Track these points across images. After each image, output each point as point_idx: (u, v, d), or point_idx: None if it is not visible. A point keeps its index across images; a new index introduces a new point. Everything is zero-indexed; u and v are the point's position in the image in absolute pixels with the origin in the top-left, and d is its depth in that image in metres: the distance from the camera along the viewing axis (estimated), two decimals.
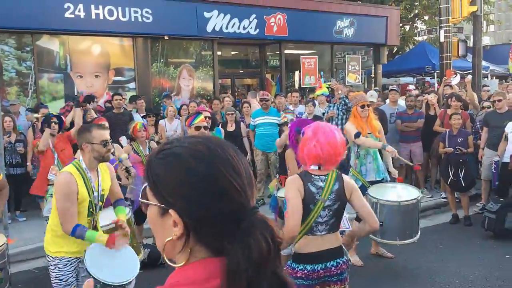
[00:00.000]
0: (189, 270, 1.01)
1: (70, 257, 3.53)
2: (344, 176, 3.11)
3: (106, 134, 3.56)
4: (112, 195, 3.87)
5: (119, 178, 5.52)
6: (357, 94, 6.29)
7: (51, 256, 3.52)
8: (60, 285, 3.48)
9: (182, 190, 1.00)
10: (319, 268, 2.94)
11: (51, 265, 3.51)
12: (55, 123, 6.35)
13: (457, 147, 6.98)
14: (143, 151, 5.91)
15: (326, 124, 3.13)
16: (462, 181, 6.97)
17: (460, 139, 7.09)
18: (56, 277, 3.48)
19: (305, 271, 2.96)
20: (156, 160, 1.05)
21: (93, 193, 3.52)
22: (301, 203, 2.93)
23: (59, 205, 3.36)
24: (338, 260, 2.99)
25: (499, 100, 7.55)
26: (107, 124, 5.29)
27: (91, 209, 3.52)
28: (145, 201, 1.06)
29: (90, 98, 8.18)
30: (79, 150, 3.70)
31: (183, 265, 1.02)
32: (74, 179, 3.38)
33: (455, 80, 11.02)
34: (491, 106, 8.10)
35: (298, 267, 2.99)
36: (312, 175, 2.98)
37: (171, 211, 1.00)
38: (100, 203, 3.62)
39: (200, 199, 0.99)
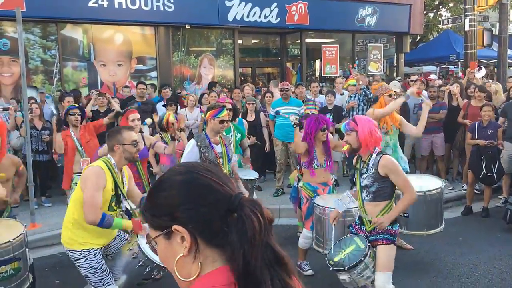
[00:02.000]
0: (206, 279, 1.07)
1: (97, 248, 3.66)
2: None
3: (134, 135, 3.74)
4: (133, 196, 3.98)
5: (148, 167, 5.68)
6: (382, 84, 6.27)
7: (77, 250, 3.60)
8: (97, 273, 3.60)
9: (173, 202, 1.10)
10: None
11: (80, 258, 3.60)
12: (78, 114, 6.39)
13: (487, 141, 6.87)
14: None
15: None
16: (495, 176, 6.89)
17: (490, 131, 6.97)
18: (90, 266, 3.60)
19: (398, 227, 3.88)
20: (147, 199, 1.18)
21: (123, 188, 3.68)
22: None
23: (88, 194, 3.43)
24: None
25: None
26: (138, 116, 5.42)
27: (112, 203, 3.64)
28: (151, 239, 1.15)
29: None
30: (104, 145, 3.84)
31: (196, 276, 1.09)
32: (103, 172, 3.52)
33: (480, 73, 10.79)
34: None
35: (396, 226, 3.82)
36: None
37: (174, 226, 1.09)
38: (126, 197, 3.77)
39: (191, 200, 1.09)
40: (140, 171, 5.14)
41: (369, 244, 3.75)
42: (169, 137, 6.04)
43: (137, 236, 3.62)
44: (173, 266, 1.11)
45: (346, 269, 3.70)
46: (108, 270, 3.68)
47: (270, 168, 8.93)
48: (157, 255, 1.19)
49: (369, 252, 3.72)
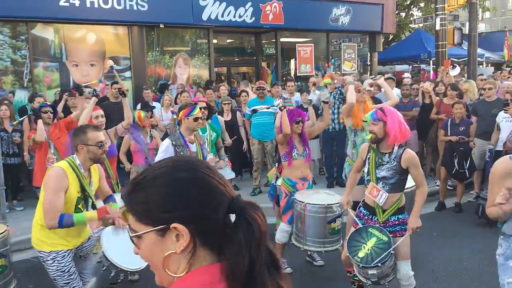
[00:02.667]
0: (192, 277, 1.05)
1: (67, 249, 3.55)
2: None
3: (101, 136, 3.58)
4: (102, 193, 3.91)
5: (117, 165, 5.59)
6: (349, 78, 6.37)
7: (45, 251, 3.50)
8: (64, 276, 3.50)
9: (178, 200, 1.05)
10: None
11: (48, 260, 3.50)
12: (51, 112, 6.33)
13: (459, 136, 7.02)
14: (144, 139, 6.01)
15: None
16: (467, 172, 7.04)
17: (462, 128, 7.13)
18: (57, 269, 3.49)
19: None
20: (137, 192, 1.09)
21: (88, 189, 3.56)
22: None
23: (47, 198, 3.33)
24: None
25: (490, 89, 7.58)
26: (102, 112, 5.33)
27: (79, 205, 3.53)
28: (140, 233, 1.08)
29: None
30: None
31: (185, 274, 1.06)
32: (65, 174, 3.39)
33: (454, 71, 11.03)
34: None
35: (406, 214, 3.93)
36: None
37: (174, 224, 1.04)
38: (93, 199, 3.65)
39: (196, 199, 1.06)
40: (108, 170, 5.03)
41: (391, 235, 3.80)
42: (141, 136, 6.01)
43: (101, 241, 3.52)
44: (160, 261, 1.07)
45: (379, 265, 3.68)
46: (76, 273, 3.58)
47: (246, 167, 8.94)
48: (139, 253, 1.12)
49: (394, 246, 3.78)
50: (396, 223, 3.89)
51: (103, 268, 3.53)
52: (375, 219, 3.94)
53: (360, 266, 3.77)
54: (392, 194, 3.87)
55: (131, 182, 1.13)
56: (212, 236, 1.06)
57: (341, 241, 4.76)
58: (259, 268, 1.01)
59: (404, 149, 3.83)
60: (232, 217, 1.07)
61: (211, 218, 1.05)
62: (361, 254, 3.80)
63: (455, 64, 12.29)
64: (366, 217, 4.02)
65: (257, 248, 1.01)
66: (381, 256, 3.69)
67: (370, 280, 3.84)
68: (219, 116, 7.53)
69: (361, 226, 3.98)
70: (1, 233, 3.70)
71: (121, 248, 3.52)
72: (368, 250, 3.78)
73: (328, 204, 4.62)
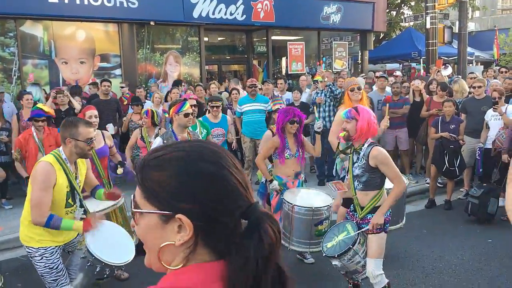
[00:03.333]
0: (186, 274, 0.98)
1: (55, 246, 3.52)
2: None
3: (91, 132, 3.51)
4: (89, 185, 3.87)
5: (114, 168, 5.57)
6: (349, 80, 6.32)
7: (33, 247, 3.46)
8: (52, 273, 3.46)
9: (193, 192, 0.98)
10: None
11: (36, 256, 3.46)
12: (42, 121, 6.11)
13: (450, 135, 7.06)
14: (149, 137, 6.07)
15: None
16: (457, 170, 7.08)
17: (453, 126, 7.18)
18: (45, 266, 3.46)
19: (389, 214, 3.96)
20: (154, 168, 1.01)
21: (75, 184, 3.51)
22: None
23: (34, 194, 3.29)
24: None
25: (479, 87, 7.65)
26: (95, 113, 5.27)
27: (69, 200, 3.49)
28: (143, 210, 1.01)
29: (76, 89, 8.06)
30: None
31: (179, 268, 1.00)
32: (53, 169, 3.34)
33: (446, 71, 11.10)
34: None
35: (388, 213, 3.89)
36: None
37: (180, 215, 0.97)
38: (79, 193, 3.61)
39: (213, 198, 0.98)
40: (99, 170, 4.99)
41: (358, 231, 3.88)
42: (147, 133, 6.10)
43: (85, 237, 3.48)
44: (155, 245, 1.01)
45: (336, 256, 3.88)
46: (64, 270, 3.55)
47: None
48: (136, 232, 1.06)
49: (358, 239, 3.85)
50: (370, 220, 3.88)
51: (88, 264, 3.49)
52: (356, 215, 4.00)
53: (324, 255, 4.05)
54: (365, 192, 3.88)
55: (152, 152, 1.06)
56: (218, 238, 0.99)
57: (322, 250, 4.78)
58: (265, 283, 0.95)
59: (373, 146, 3.80)
60: (244, 223, 1.00)
61: (221, 221, 0.98)
62: (329, 244, 4.03)
63: (447, 64, 12.36)
64: (351, 213, 4.09)
65: (264, 265, 0.94)
66: (341, 249, 3.86)
67: (340, 272, 4.09)
68: (228, 117, 7.45)
69: (345, 220, 4.14)
70: None
71: (105, 243, 3.49)
72: (336, 242, 3.98)
73: (315, 207, 4.63)
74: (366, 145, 3.83)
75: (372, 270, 3.80)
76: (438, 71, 10.38)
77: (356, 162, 3.91)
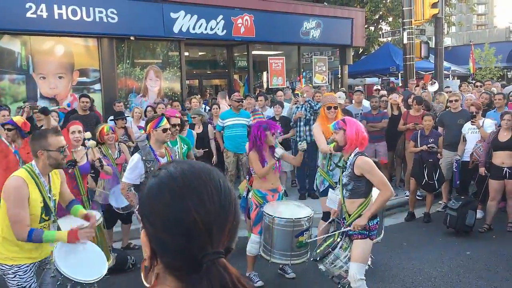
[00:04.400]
0: None
1: (29, 263, 3.44)
2: None
3: (62, 141, 3.44)
4: (64, 199, 3.79)
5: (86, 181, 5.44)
6: (327, 96, 6.37)
7: (7, 265, 3.38)
8: None
9: (151, 215, 0.99)
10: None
11: (9, 274, 3.38)
12: (9, 130, 5.98)
13: (429, 145, 7.16)
14: (112, 154, 5.88)
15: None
16: (436, 183, 7.17)
17: (431, 140, 7.29)
18: (18, 285, 3.38)
19: (377, 222, 4.05)
20: (150, 178, 1.05)
21: (48, 198, 3.44)
22: None
23: (10, 212, 3.21)
24: None
25: (456, 100, 7.81)
26: (79, 128, 5.18)
27: (43, 215, 3.41)
28: (137, 213, 1.09)
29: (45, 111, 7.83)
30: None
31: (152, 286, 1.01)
32: (25, 184, 3.27)
33: (433, 87, 11.28)
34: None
35: (375, 221, 3.97)
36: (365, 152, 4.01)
37: (142, 230, 1.01)
38: (53, 209, 3.53)
39: (162, 229, 0.97)
40: (79, 187, 4.91)
41: (341, 236, 4.05)
42: (109, 151, 5.89)
43: (53, 255, 3.39)
44: (145, 254, 1.04)
45: (318, 259, 4.12)
46: None
47: None
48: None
49: (340, 244, 4.02)
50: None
51: (58, 283, 3.41)
52: (345, 222, 4.13)
53: (311, 259, 4.31)
54: (351, 200, 4.03)
55: (160, 166, 1.10)
56: (171, 267, 0.98)
57: (309, 253, 4.79)
58: None
59: (358, 156, 3.94)
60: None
61: (171, 253, 0.97)
62: (318, 250, 4.29)
63: (434, 81, 12.55)
64: (342, 221, 4.23)
65: None
66: (323, 253, 4.09)
67: (328, 277, 4.29)
68: (193, 131, 7.49)
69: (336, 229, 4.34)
70: None
71: (74, 260, 3.41)
72: (323, 247, 4.21)
73: (296, 218, 4.64)
74: (352, 154, 3.98)
75: (354, 274, 3.88)
76: (424, 87, 10.58)
77: (344, 171, 4.07)
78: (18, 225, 3.21)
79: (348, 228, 4.00)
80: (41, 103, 9.48)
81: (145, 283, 1.03)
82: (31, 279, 3.43)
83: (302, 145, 5.23)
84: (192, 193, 0.97)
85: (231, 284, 0.92)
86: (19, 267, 3.38)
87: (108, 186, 5.66)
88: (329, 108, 5.62)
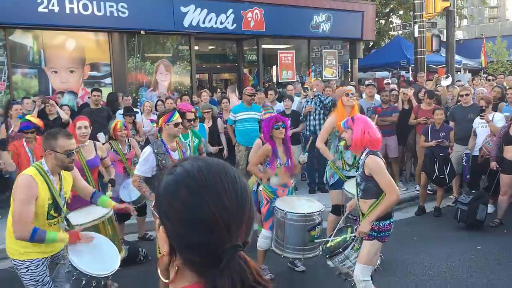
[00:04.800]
0: None
1: (41, 258, 3.49)
2: None
3: (71, 144, 3.46)
4: (84, 192, 3.84)
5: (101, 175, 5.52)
6: (339, 88, 6.37)
7: (19, 260, 3.43)
8: (37, 286, 3.44)
9: (169, 213, 1.00)
10: (393, 219, 4.00)
11: (22, 269, 3.43)
12: (31, 132, 6.07)
13: (439, 140, 7.13)
14: (122, 149, 5.92)
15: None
16: (447, 178, 7.14)
17: (443, 134, 7.25)
18: (31, 279, 3.43)
19: (391, 223, 3.92)
20: (165, 175, 1.06)
21: (59, 196, 3.48)
22: None
23: (17, 208, 3.25)
24: None
25: (467, 95, 7.76)
26: (86, 123, 5.21)
27: (51, 212, 3.45)
28: (153, 210, 1.10)
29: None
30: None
31: (171, 287, 1.03)
32: (34, 182, 3.30)
33: (446, 81, 11.18)
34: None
35: (386, 223, 3.87)
36: (378, 152, 3.89)
37: (161, 227, 1.02)
38: (63, 206, 3.58)
39: (181, 226, 0.99)
40: (89, 181, 4.96)
41: (353, 237, 4.00)
42: (119, 146, 5.94)
43: (67, 250, 3.46)
44: (163, 251, 1.05)
45: (327, 256, 4.12)
46: (50, 283, 3.51)
47: None
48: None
49: (352, 245, 3.98)
50: None
51: (73, 278, 3.47)
52: (359, 221, 4.08)
53: (319, 253, 4.37)
54: (363, 200, 3.94)
55: (175, 162, 1.12)
56: (190, 262, 1.00)
57: (320, 247, 4.80)
58: None
59: (369, 155, 3.84)
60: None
61: (189, 249, 0.99)
62: (328, 244, 4.27)
63: (449, 74, 12.42)
64: (357, 220, 4.20)
65: None
66: (333, 251, 4.08)
67: (335, 272, 4.31)
68: (204, 125, 7.49)
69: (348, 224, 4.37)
70: None
71: (88, 256, 3.48)
72: (334, 243, 4.18)
73: (308, 213, 4.66)
74: (364, 153, 3.89)
75: (357, 275, 3.86)
76: (437, 81, 10.48)
77: (357, 170, 4.06)
78: (21, 223, 3.24)
79: (353, 234, 3.99)
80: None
81: (162, 278, 1.05)
82: (44, 273, 3.49)
83: (303, 158, 5.27)
84: (209, 190, 0.99)
85: (250, 277, 0.94)
86: (31, 261, 3.43)
87: (119, 181, 5.72)
88: (347, 94, 5.58)
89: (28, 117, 6.50)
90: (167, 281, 1.04)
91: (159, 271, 1.07)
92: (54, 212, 3.48)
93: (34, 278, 3.43)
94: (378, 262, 4.20)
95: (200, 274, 0.99)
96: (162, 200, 1.02)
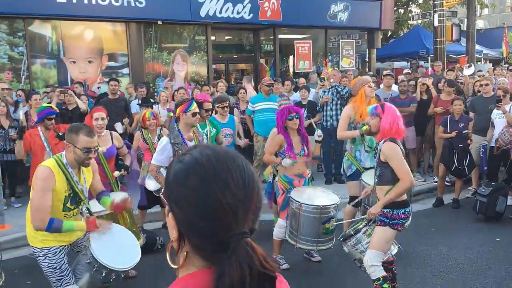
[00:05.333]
0: (182, 282, 1.04)
1: (59, 246, 3.55)
2: None
3: (91, 142, 3.45)
4: (95, 189, 3.89)
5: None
6: (360, 78, 6.28)
7: (37, 247, 3.50)
8: (55, 273, 3.50)
9: (179, 200, 1.03)
10: (409, 210, 3.95)
11: (40, 256, 3.51)
12: (49, 119, 6.15)
13: (464, 132, 7.02)
14: (151, 138, 5.96)
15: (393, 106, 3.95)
16: (466, 169, 7.04)
17: (462, 125, 7.14)
18: (48, 266, 3.50)
19: (406, 213, 3.88)
20: (174, 163, 1.09)
21: (77, 188, 3.52)
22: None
23: (34, 199, 3.32)
24: None
25: (486, 85, 7.60)
26: (103, 115, 5.23)
27: (67, 204, 3.50)
28: (162, 197, 1.11)
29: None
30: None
31: (180, 272, 1.06)
32: (52, 174, 3.35)
33: (469, 71, 10.97)
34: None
35: (401, 211, 3.84)
36: (396, 140, 3.84)
37: (170, 214, 1.05)
38: (85, 199, 3.63)
39: (190, 212, 1.01)
40: (106, 171, 5.00)
41: (366, 222, 4.07)
42: (149, 135, 5.99)
43: (89, 241, 3.52)
44: (172, 235, 1.08)
45: (341, 240, 4.23)
46: (69, 270, 3.57)
47: None
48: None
49: (364, 230, 4.04)
50: (381, 214, 3.90)
51: (94, 269, 3.52)
52: None
53: (339, 239, 4.38)
54: (379, 186, 3.95)
55: (184, 151, 1.14)
56: (200, 249, 1.03)
57: (334, 240, 4.80)
58: None
59: (386, 141, 3.86)
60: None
61: (198, 236, 1.02)
62: (348, 231, 4.33)
63: (471, 63, 12.18)
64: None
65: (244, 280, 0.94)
66: (347, 235, 4.19)
67: (352, 259, 4.34)
68: (235, 117, 7.44)
69: None
70: None
71: (110, 247, 3.52)
72: (353, 230, 4.24)
73: (323, 206, 4.64)
74: (382, 140, 3.91)
75: (367, 260, 3.86)
76: (461, 70, 10.30)
77: (375, 156, 4.08)
78: (38, 213, 3.30)
79: (364, 216, 4.02)
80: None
81: (171, 264, 1.08)
82: (61, 261, 3.54)
83: (318, 133, 5.19)
84: (218, 178, 1.01)
85: (258, 262, 0.96)
86: (48, 249, 3.50)
87: (147, 170, 5.78)
88: (370, 86, 5.51)
89: (46, 104, 6.63)
90: (175, 266, 1.07)
91: (168, 256, 1.10)
92: (70, 204, 3.53)
93: (52, 265, 3.49)
94: (394, 251, 4.21)
95: (208, 260, 1.02)
96: (172, 187, 1.05)
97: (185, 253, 1.04)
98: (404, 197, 3.90)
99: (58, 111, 6.12)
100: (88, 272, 3.67)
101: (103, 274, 3.56)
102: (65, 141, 3.50)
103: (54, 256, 3.50)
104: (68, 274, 3.56)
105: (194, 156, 1.06)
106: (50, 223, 3.31)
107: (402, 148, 3.90)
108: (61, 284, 3.51)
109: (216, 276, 0.96)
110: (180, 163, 1.06)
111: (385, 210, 3.86)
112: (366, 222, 4.09)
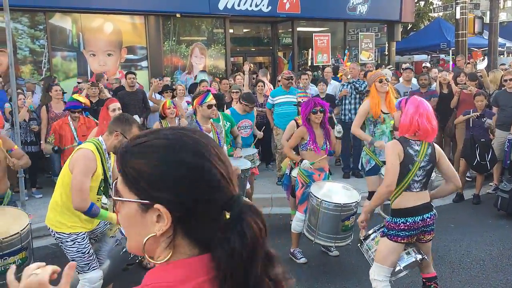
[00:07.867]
0: (170, 270, 0.97)
1: (85, 231, 3.65)
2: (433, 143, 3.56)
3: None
4: (113, 176, 3.96)
5: None
6: (374, 73, 6.19)
7: (65, 233, 3.56)
8: (84, 257, 3.58)
9: (171, 183, 0.96)
10: (418, 220, 3.41)
11: (67, 241, 3.57)
12: (78, 112, 6.33)
13: (485, 123, 6.90)
14: None
15: (424, 101, 3.47)
16: (488, 164, 6.92)
17: (484, 119, 7.02)
18: (78, 251, 3.57)
19: (407, 223, 3.40)
20: (134, 155, 0.99)
21: (108, 173, 3.64)
22: (398, 164, 3.38)
23: (77, 180, 3.38)
24: (431, 213, 3.51)
25: (511, 80, 7.43)
26: (119, 105, 5.27)
27: (101, 187, 3.62)
28: (121, 199, 1.01)
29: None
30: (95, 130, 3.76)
31: (164, 262, 0.99)
32: (94, 157, 3.46)
33: (482, 64, 10.77)
34: None
35: (400, 221, 3.42)
36: (410, 140, 3.44)
37: (157, 205, 0.95)
38: (110, 182, 3.73)
39: (192, 189, 0.96)
40: None
41: (377, 228, 3.93)
42: (168, 125, 6.01)
43: (119, 223, 3.60)
44: (136, 234, 1.00)
45: (358, 245, 4.13)
46: (94, 254, 3.67)
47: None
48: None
49: (372, 236, 3.90)
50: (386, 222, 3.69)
51: (123, 250, 3.61)
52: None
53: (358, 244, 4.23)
54: None
55: (135, 138, 1.04)
56: (199, 230, 0.98)
57: (352, 236, 4.76)
58: (255, 276, 0.93)
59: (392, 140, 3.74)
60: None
61: (201, 213, 0.96)
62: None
63: (484, 57, 11.95)
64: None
65: (250, 257, 0.92)
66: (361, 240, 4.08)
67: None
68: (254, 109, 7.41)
69: None
70: (25, 227, 3.76)
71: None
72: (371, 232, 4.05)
73: (344, 203, 4.59)
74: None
75: (370, 273, 3.63)
76: (475, 64, 10.11)
77: None
78: (81, 193, 3.37)
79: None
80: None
81: (150, 260, 1.01)
82: (89, 245, 3.65)
83: (338, 128, 5.08)
84: (207, 150, 0.99)
85: (261, 223, 0.96)
86: (77, 234, 3.58)
87: None
88: (381, 81, 5.40)
89: (76, 96, 6.75)
90: (158, 262, 0.99)
91: (146, 256, 1.01)
92: (103, 188, 3.66)
93: (81, 250, 3.57)
94: (410, 260, 3.63)
95: (202, 240, 0.98)
96: (157, 174, 0.96)
97: (173, 244, 0.98)
98: (409, 204, 3.42)
99: (89, 105, 6.21)
100: (110, 259, 3.74)
101: (131, 255, 3.67)
102: (111, 130, 3.55)
103: (83, 241, 3.60)
104: (95, 259, 3.64)
105: (170, 138, 1.00)
106: (91, 206, 3.40)
107: (412, 152, 3.40)
108: (88, 268, 3.59)
109: (230, 241, 0.92)
110: (154, 148, 0.98)
111: (386, 218, 3.71)
112: (376, 228, 3.92)
